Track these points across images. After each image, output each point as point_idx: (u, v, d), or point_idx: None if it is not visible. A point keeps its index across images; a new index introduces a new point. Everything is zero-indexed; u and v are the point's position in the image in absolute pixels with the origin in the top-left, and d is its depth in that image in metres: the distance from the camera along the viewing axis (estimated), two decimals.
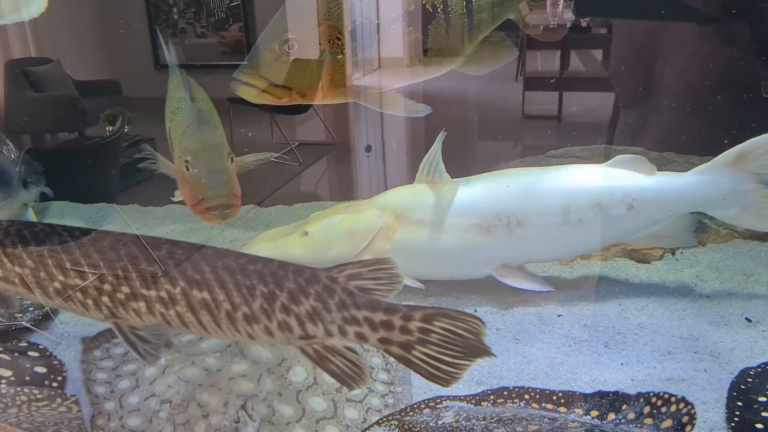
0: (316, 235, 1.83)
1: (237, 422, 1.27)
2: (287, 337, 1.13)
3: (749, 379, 1.44)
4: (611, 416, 1.34)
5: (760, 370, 1.48)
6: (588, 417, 1.34)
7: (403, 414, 1.38)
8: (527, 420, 1.21)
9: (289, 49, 1.45)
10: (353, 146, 3.20)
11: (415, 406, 1.41)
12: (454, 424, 1.22)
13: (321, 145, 4.70)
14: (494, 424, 1.19)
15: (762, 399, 1.38)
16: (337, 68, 1.55)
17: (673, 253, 2.13)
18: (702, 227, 2.19)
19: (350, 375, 1.12)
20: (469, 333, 1.07)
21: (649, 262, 2.12)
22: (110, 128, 3.49)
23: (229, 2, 5.57)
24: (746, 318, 1.75)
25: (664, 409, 1.29)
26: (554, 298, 1.88)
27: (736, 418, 1.34)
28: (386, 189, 1.95)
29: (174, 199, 1.51)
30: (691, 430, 1.22)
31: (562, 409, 1.36)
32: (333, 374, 1.13)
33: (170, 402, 1.35)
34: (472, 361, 1.08)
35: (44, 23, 4.79)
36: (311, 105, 4.33)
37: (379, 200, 1.90)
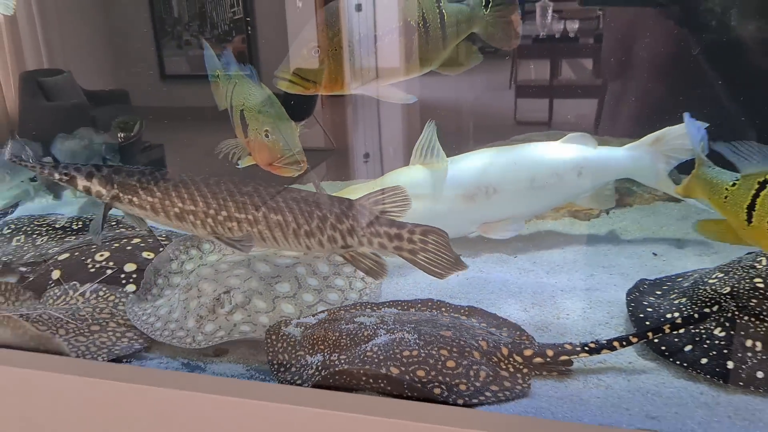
0: None
1: (218, 300, 1.82)
2: (332, 247, 1.72)
3: (644, 287, 2.03)
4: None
5: (653, 281, 2.06)
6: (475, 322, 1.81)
7: (346, 308, 1.86)
8: (430, 323, 1.69)
9: (314, 53, 2.02)
10: (352, 153, 3.65)
11: (359, 305, 1.87)
12: (366, 320, 1.69)
13: (321, 151, 5.08)
14: (398, 325, 1.65)
15: (651, 299, 1.96)
16: (348, 66, 2.11)
17: (608, 213, 2.73)
18: (630, 192, 2.79)
19: (376, 270, 1.73)
20: (446, 244, 1.67)
21: (588, 220, 2.71)
22: (122, 135, 3.84)
23: (232, 15, 6.16)
24: (653, 253, 2.35)
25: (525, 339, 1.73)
26: (512, 246, 2.45)
27: (632, 312, 1.92)
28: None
29: (240, 166, 2.02)
30: (532, 353, 1.62)
31: (464, 318, 1.83)
32: (364, 270, 1.74)
33: (181, 289, 1.93)
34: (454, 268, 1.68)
35: (56, 36, 5.17)
36: (311, 112, 4.96)
37: (385, 179, 2.36)
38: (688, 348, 1.65)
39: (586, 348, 1.59)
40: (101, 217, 1.78)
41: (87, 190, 1.76)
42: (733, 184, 1.62)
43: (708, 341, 1.64)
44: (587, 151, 2.40)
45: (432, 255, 1.68)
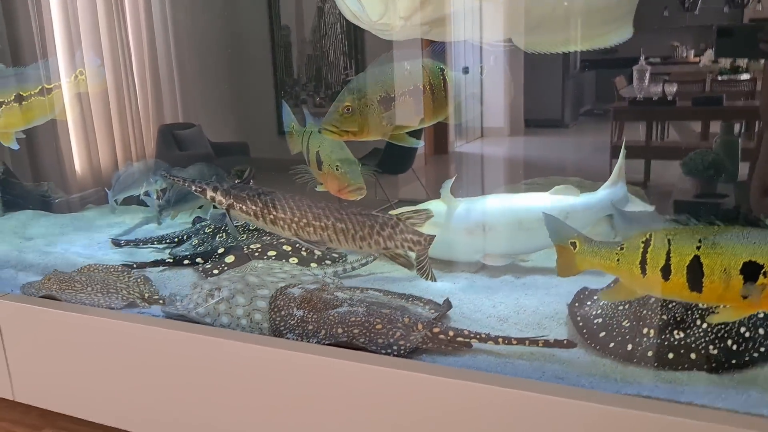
0: None
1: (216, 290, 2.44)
2: (376, 249, 2.38)
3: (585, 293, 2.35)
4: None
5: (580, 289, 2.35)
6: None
7: (336, 285, 2.57)
8: (380, 304, 2.27)
9: (347, 111, 2.54)
10: None
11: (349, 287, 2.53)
12: (340, 294, 2.34)
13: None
14: (358, 303, 2.26)
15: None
16: (373, 120, 2.74)
17: None
18: None
19: (408, 264, 2.42)
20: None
21: None
22: (237, 180, 4.55)
23: (344, 77, 6.64)
24: None
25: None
26: (508, 270, 2.82)
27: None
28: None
29: (318, 189, 2.67)
30: (438, 331, 2.10)
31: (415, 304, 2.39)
32: (400, 264, 2.42)
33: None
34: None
35: (191, 93, 5.96)
36: (411, 166, 5.41)
37: (420, 206, 2.87)
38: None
39: (478, 336, 2.05)
40: (231, 221, 2.55)
41: (213, 200, 2.49)
42: (621, 248, 1.88)
43: None
44: (570, 199, 2.78)
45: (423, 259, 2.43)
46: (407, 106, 2.69)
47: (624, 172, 2.80)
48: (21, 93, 3.09)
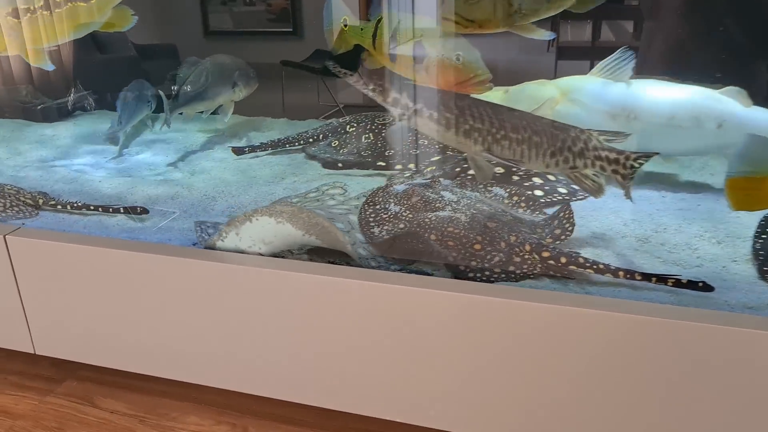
0: (511, 94, 2.52)
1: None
2: (563, 167, 1.95)
3: None
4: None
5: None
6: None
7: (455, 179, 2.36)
8: (487, 214, 2.04)
9: None
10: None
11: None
12: (448, 195, 2.10)
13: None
14: (465, 208, 2.04)
15: None
16: (503, 7, 2.09)
17: None
18: None
19: (594, 189, 1.96)
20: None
21: None
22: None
23: None
24: None
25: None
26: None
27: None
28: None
29: None
30: (548, 256, 1.88)
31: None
32: (584, 188, 1.97)
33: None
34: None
35: None
36: (357, 69, 4.77)
37: (560, 80, 2.51)
38: None
39: (595, 266, 1.79)
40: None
41: (396, 102, 2.00)
42: None
43: None
44: (735, 107, 2.32)
45: (629, 180, 1.92)
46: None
47: None
48: None
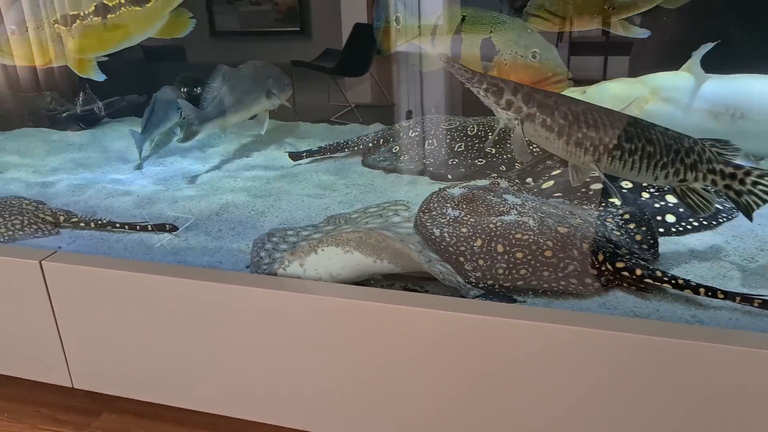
0: (590, 94, 2.30)
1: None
2: (670, 180, 1.75)
3: None
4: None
5: None
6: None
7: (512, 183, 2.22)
8: (559, 218, 1.86)
9: None
10: (397, 109, 3.52)
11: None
12: (511, 198, 1.92)
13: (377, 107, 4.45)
14: (531, 211, 1.85)
15: None
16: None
17: None
18: None
19: (701, 207, 1.75)
20: None
21: None
22: (185, 89, 3.84)
23: None
24: None
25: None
26: None
27: None
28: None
29: None
30: (623, 266, 1.72)
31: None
32: (688, 205, 1.76)
33: None
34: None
35: None
36: (368, 68, 4.28)
37: (648, 78, 2.33)
38: None
39: (673, 281, 1.64)
40: (521, 139, 1.78)
41: (509, 104, 1.76)
42: None
43: None
44: None
45: (755, 198, 1.72)
46: None
47: None
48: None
